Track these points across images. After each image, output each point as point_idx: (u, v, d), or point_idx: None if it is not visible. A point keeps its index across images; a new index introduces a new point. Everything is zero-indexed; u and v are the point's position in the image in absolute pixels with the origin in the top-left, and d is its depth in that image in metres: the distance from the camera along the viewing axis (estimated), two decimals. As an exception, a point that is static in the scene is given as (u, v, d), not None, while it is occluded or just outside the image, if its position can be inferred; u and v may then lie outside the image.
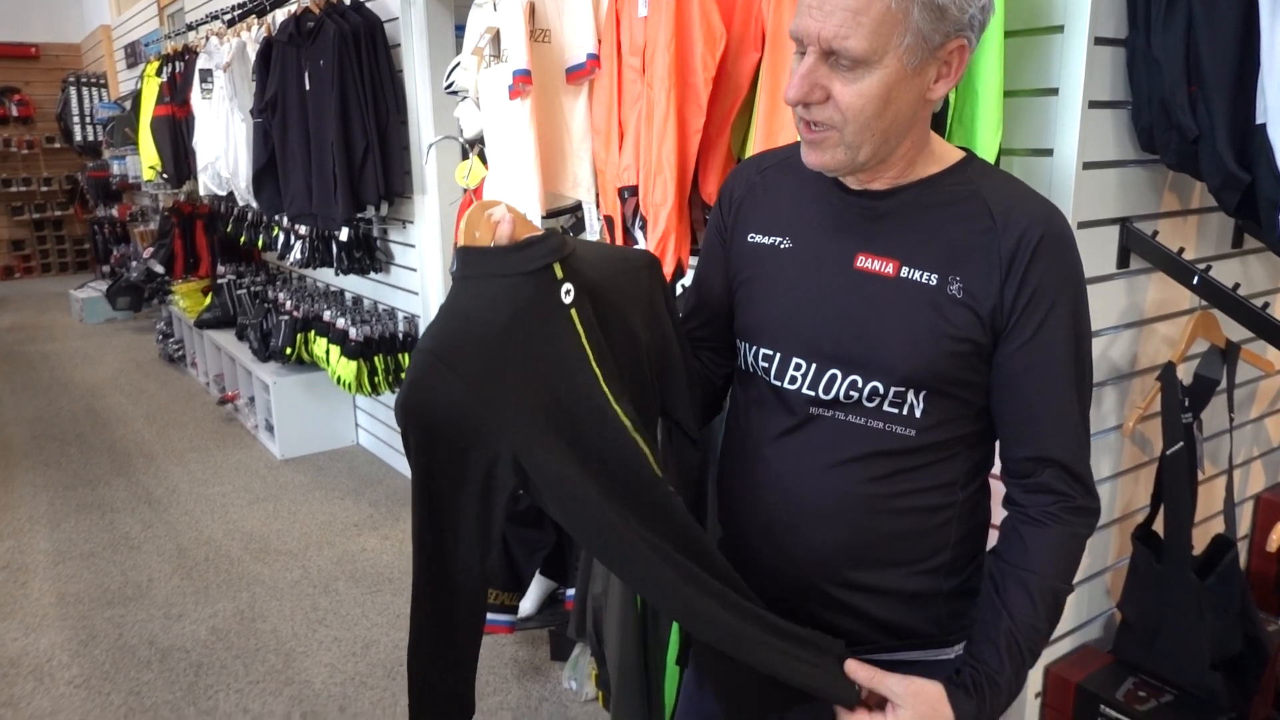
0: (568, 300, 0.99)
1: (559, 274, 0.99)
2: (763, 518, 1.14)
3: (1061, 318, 1.03)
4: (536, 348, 0.98)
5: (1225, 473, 1.85)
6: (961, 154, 1.11)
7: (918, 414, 1.05)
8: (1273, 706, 1.61)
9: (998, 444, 1.11)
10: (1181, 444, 1.70)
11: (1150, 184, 1.77)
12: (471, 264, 0.97)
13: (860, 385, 1.05)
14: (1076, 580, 1.88)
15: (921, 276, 1.03)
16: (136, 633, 3.04)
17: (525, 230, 0.99)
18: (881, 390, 1.04)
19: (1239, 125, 1.50)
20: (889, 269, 1.05)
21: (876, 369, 1.04)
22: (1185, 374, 1.81)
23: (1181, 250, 1.70)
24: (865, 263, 1.06)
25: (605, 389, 1.01)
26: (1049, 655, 1.88)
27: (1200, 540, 1.82)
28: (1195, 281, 1.65)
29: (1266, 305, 1.60)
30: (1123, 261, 1.74)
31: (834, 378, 1.06)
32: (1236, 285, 1.65)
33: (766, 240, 1.13)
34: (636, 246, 2.15)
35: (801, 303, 1.08)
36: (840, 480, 1.08)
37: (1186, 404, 1.73)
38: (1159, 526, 1.82)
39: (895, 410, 1.05)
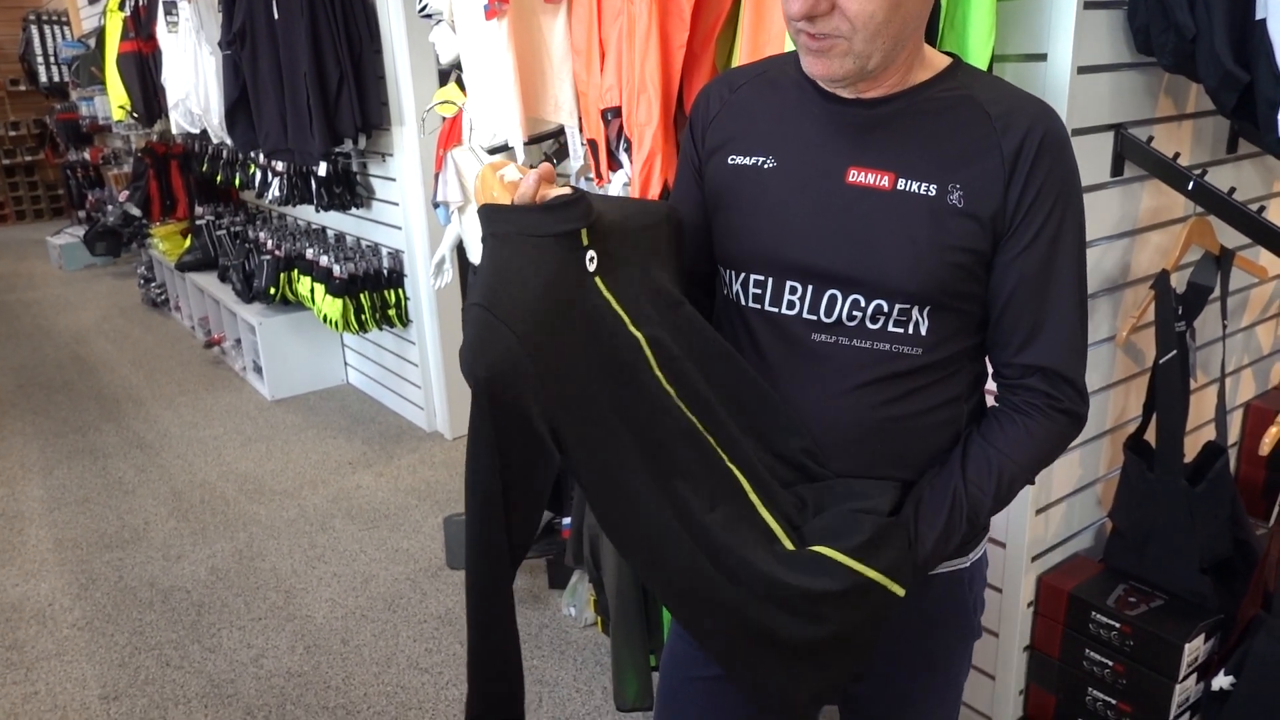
0: (591, 268, 0.97)
1: (584, 240, 0.96)
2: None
3: (1065, 220, 1.02)
4: (574, 311, 0.96)
5: (1217, 381, 1.86)
6: (948, 60, 1.07)
7: (923, 331, 1.03)
8: (1261, 606, 1.64)
9: (990, 352, 1.10)
10: (1174, 352, 1.70)
11: (1145, 88, 1.73)
12: (499, 221, 0.94)
13: (863, 305, 1.02)
14: (1068, 492, 1.90)
15: (920, 187, 1.00)
16: (136, 575, 3.05)
17: (548, 187, 0.95)
18: (886, 309, 1.01)
19: (1238, 22, 1.46)
20: (884, 182, 1.01)
21: (879, 287, 1.01)
22: (1179, 283, 1.80)
23: (1177, 156, 1.67)
24: (859, 176, 1.02)
25: (649, 355, 1.00)
26: (1041, 565, 1.90)
27: (1190, 449, 1.83)
28: (1190, 187, 1.62)
29: (1262, 209, 1.58)
30: (1117, 169, 1.71)
31: (834, 299, 1.02)
32: (1232, 190, 1.62)
33: (748, 161, 1.07)
34: (622, 169, 2.11)
35: (792, 223, 1.04)
36: (852, 408, 1.05)
37: (1180, 312, 1.72)
38: (1151, 436, 1.83)
39: (900, 330, 1.02)
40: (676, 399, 1.01)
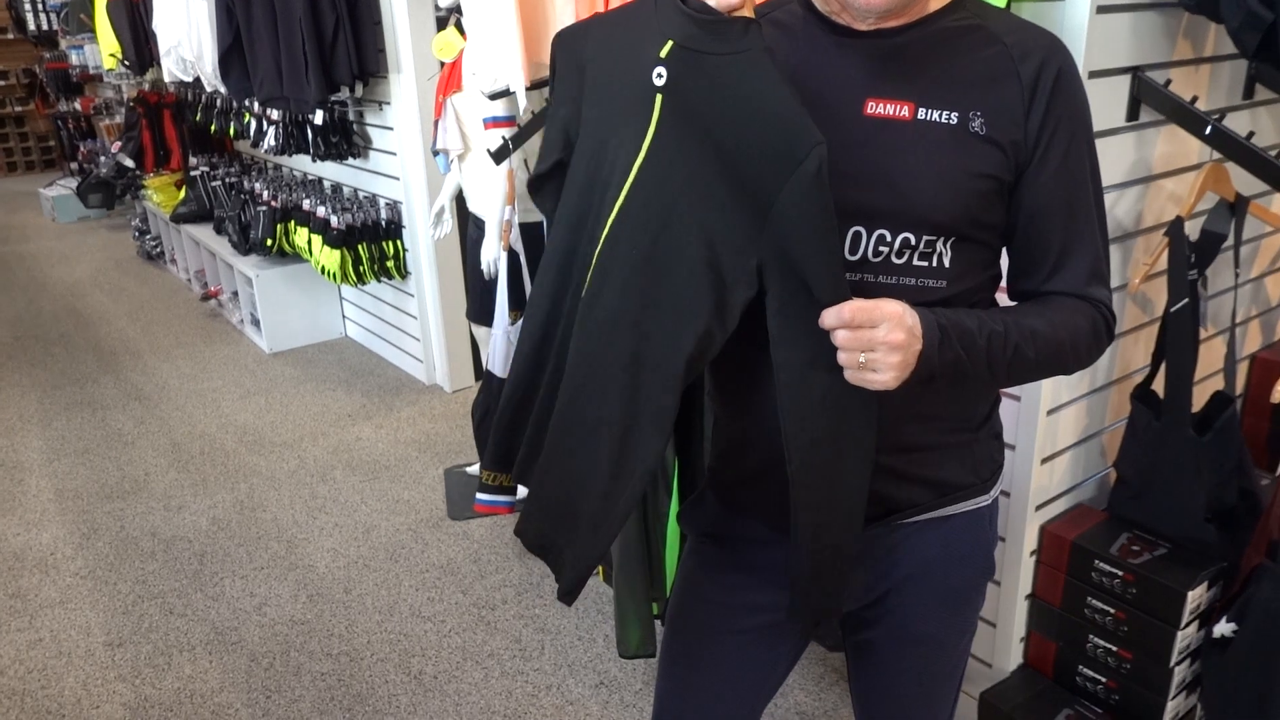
0: (659, 83, 0.95)
1: (661, 53, 0.95)
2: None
3: (1084, 149, 1.03)
4: (627, 91, 0.98)
5: (1227, 330, 1.84)
6: None
7: (946, 263, 1.01)
8: (1265, 555, 1.64)
9: (1014, 282, 1.08)
10: (1186, 300, 1.68)
11: (1164, 29, 1.69)
12: None
13: (890, 239, 0.99)
14: (1073, 441, 1.89)
15: (941, 116, 0.98)
16: (138, 525, 3.06)
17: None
18: (913, 241, 0.99)
19: (1263, -41, 1.42)
20: (905, 112, 0.99)
21: (905, 219, 0.98)
22: (1192, 230, 1.78)
23: (1194, 100, 1.64)
24: (877, 108, 1.00)
25: (626, 186, 0.99)
26: (1044, 515, 1.90)
27: (1198, 399, 1.82)
28: (1208, 131, 1.59)
29: (1279, 156, 1.56)
30: (1133, 114, 1.68)
31: (859, 235, 1.00)
32: (1250, 135, 1.59)
33: None
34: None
35: None
36: None
37: (1192, 260, 1.70)
38: (1159, 386, 1.82)
39: (925, 263, 1.01)
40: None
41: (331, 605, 2.61)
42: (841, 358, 0.92)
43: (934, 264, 1.01)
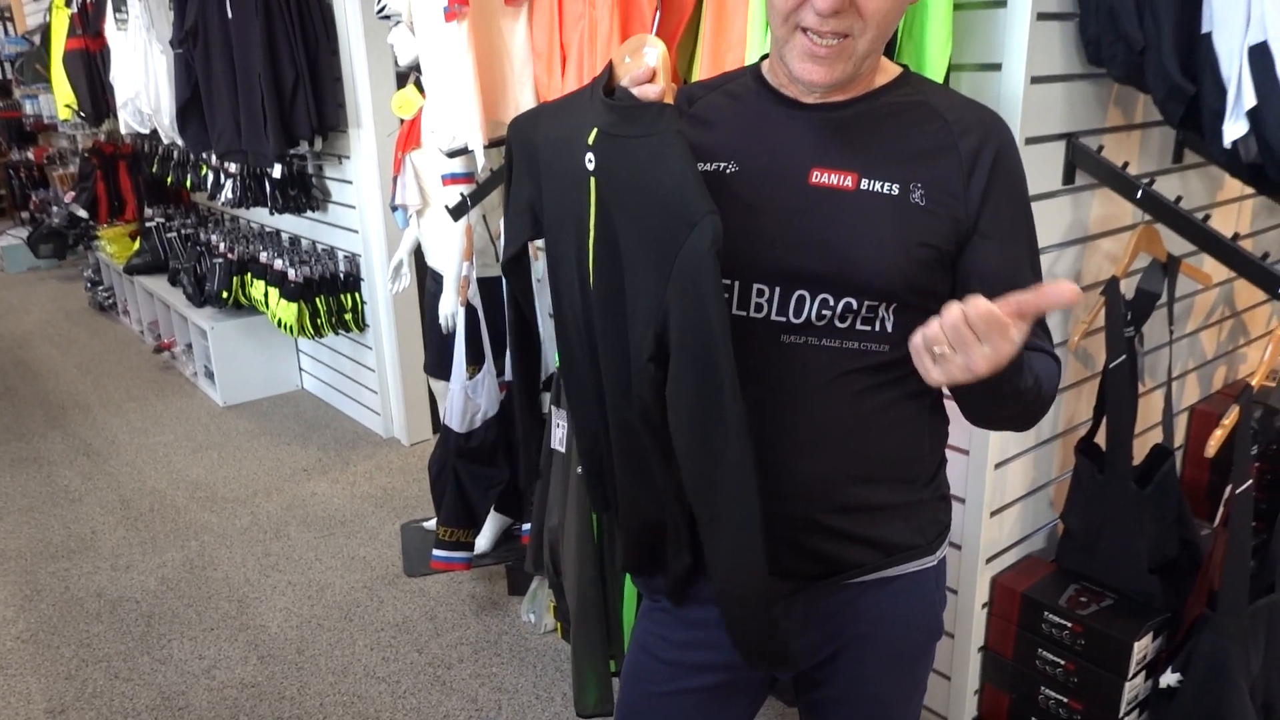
0: (590, 167, 1.03)
1: (589, 140, 1.02)
2: None
3: (1022, 220, 1.08)
4: (570, 175, 1.07)
5: (1164, 384, 1.90)
6: (899, 69, 1.11)
7: (889, 329, 1.04)
8: (1206, 605, 1.68)
9: None
10: (1124, 357, 1.74)
11: (1096, 98, 1.77)
12: (598, 79, 1.05)
13: (832, 304, 1.02)
14: (1021, 494, 1.93)
15: (883, 187, 1.02)
16: (83, 585, 2.97)
17: (649, 89, 0.98)
18: (855, 306, 1.02)
19: (1184, 35, 1.50)
20: (848, 182, 1.03)
21: (848, 285, 1.02)
22: (1128, 289, 1.84)
23: (1126, 165, 1.71)
24: (822, 178, 1.04)
25: (590, 253, 1.06)
26: (995, 567, 1.93)
27: (1139, 452, 1.87)
28: (1139, 195, 1.66)
29: (1207, 218, 1.63)
30: (1068, 177, 1.75)
31: (803, 299, 1.03)
32: (1178, 199, 1.67)
33: (710, 167, 1.07)
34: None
35: (757, 226, 1.04)
36: (824, 405, 1.06)
37: (1129, 317, 1.77)
38: (1101, 439, 1.87)
39: (867, 328, 1.04)
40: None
41: (283, 667, 2.55)
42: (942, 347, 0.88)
43: (876, 329, 1.04)
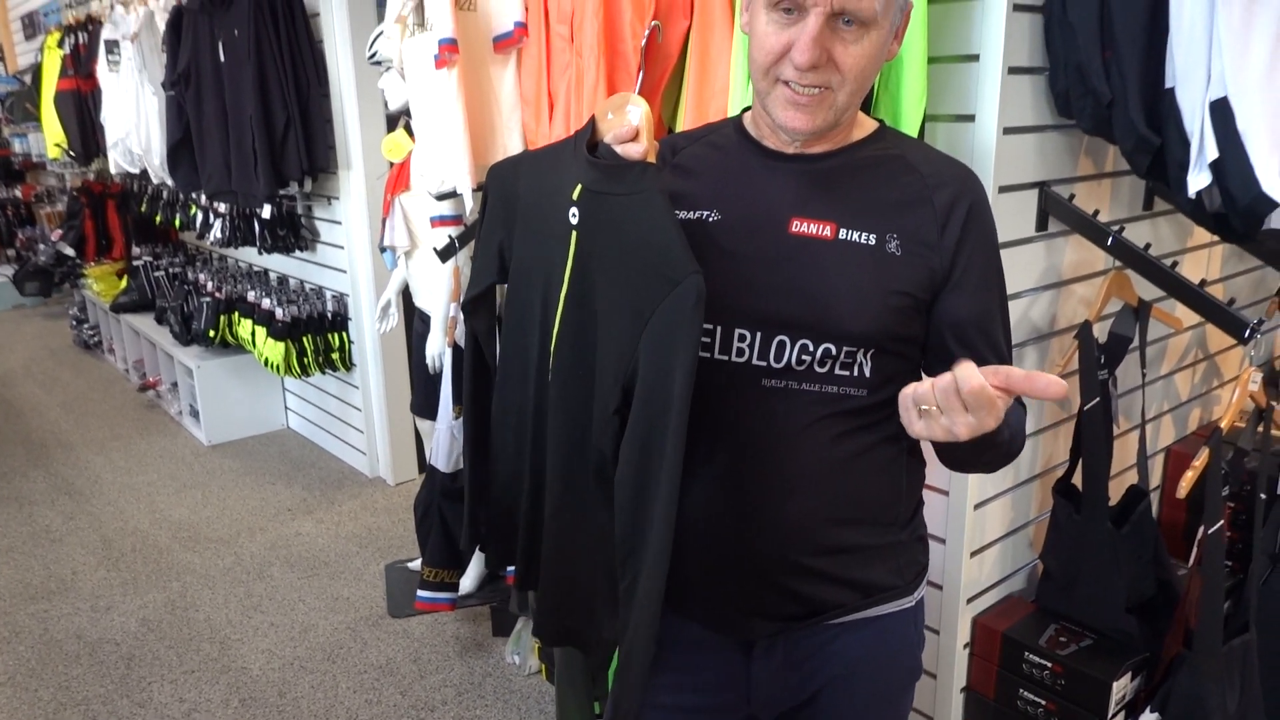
0: (573, 221, 1.06)
1: (574, 196, 1.05)
2: (720, 506, 1.11)
3: (993, 272, 1.11)
4: (549, 227, 1.11)
5: (1138, 426, 1.94)
6: (876, 123, 1.15)
7: (867, 374, 1.07)
8: (1183, 644, 1.70)
9: None
10: (1098, 399, 1.77)
11: (1068, 148, 1.83)
12: (580, 134, 1.08)
13: (812, 349, 1.05)
14: (1001, 534, 1.96)
15: (860, 237, 1.06)
16: (63, 627, 2.95)
17: (633, 148, 1.02)
18: (834, 352, 1.05)
19: (1150, 89, 1.55)
20: (826, 231, 1.07)
21: (826, 331, 1.05)
22: (1101, 333, 1.89)
23: (1096, 213, 1.76)
24: (801, 227, 1.07)
25: (561, 304, 1.10)
26: (976, 607, 1.95)
27: (1115, 492, 1.90)
28: (1110, 242, 1.71)
29: (1175, 264, 1.67)
30: (1041, 224, 1.80)
31: (783, 344, 1.06)
32: (1148, 245, 1.72)
33: (692, 216, 1.11)
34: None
35: (739, 273, 1.07)
36: (804, 448, 1.08)
37: (1102, 361, 1.81)
38: (1078, 480, 1.90)
39: (846, 373, 1.07)
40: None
41: (265, 710, 2.52)
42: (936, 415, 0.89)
43: (855, 373, 1.07)
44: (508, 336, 1.19)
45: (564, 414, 1.12)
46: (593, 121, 1.08)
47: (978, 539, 1.90)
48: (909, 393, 0.90)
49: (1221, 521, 1.55)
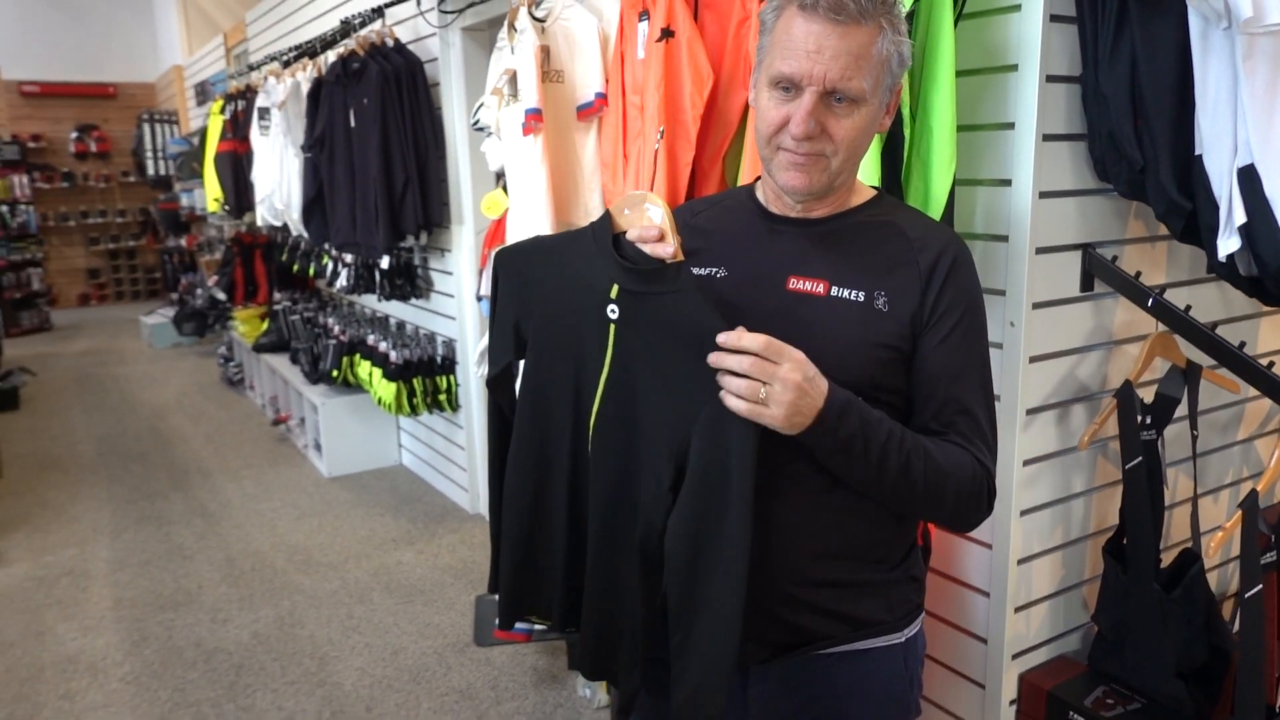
0: (613, 317, 1.16)
1: (611, 294, 1.16)
2: None
3: (973, 326, 1.19)
4: (577, 315, 1.19)
5: (1193, 489, 1.91)
6: (874, 191, 1.25)
7: None
8: (1229, 713, 1.66)
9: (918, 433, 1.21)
10: (1140, 459, 1.77)
11: (1114, 211, 1.86)
12: (600, 230, 1.17)
13: None
14: (1049, 593, 1.96)
15: (850, 294, 1.17)
16: (184, 635, 3.24)
17: (660, 247, 1.11)
18: None
19: (1180, 156, 1.59)
20: (820, 289, 1.18)
21: None
22: (1150, 394, 1.88)
23: (1139, 274, 1.78)
24: (798, 284, 1.19)
25: (600, 391, 1.19)
26: (1023, 664, 1.95)
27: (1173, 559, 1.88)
28: (1150, 304, 1.72)
29: (1215, 327, 1.67)
30: (1087, 285, 1.83)
31: None
32: (1188, 307, 1.72)
33: (704, 271, 1.24)
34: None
35: (740, 323, 1.16)
36: (797, 489, 1.17)
37: (1148, 421, 1.81)
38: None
39: None
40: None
41: (352, 722, 2.72)
42: (740, 385, 1.05)
43: None
44: (525, 413, 1.28)
45: (605, 487, 1.21)
46: (608, 216, 1.19)
47: (1023, 595, 1.91)
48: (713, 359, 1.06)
49: (1260, 585, 1.53)
